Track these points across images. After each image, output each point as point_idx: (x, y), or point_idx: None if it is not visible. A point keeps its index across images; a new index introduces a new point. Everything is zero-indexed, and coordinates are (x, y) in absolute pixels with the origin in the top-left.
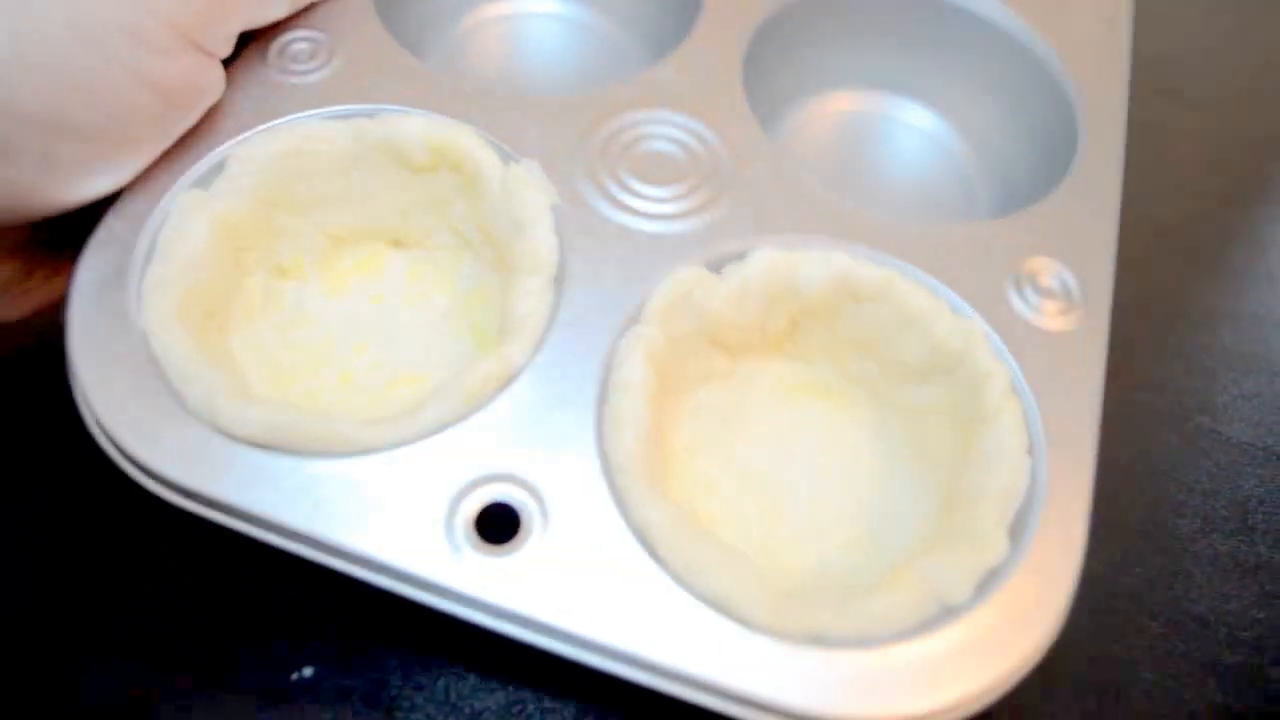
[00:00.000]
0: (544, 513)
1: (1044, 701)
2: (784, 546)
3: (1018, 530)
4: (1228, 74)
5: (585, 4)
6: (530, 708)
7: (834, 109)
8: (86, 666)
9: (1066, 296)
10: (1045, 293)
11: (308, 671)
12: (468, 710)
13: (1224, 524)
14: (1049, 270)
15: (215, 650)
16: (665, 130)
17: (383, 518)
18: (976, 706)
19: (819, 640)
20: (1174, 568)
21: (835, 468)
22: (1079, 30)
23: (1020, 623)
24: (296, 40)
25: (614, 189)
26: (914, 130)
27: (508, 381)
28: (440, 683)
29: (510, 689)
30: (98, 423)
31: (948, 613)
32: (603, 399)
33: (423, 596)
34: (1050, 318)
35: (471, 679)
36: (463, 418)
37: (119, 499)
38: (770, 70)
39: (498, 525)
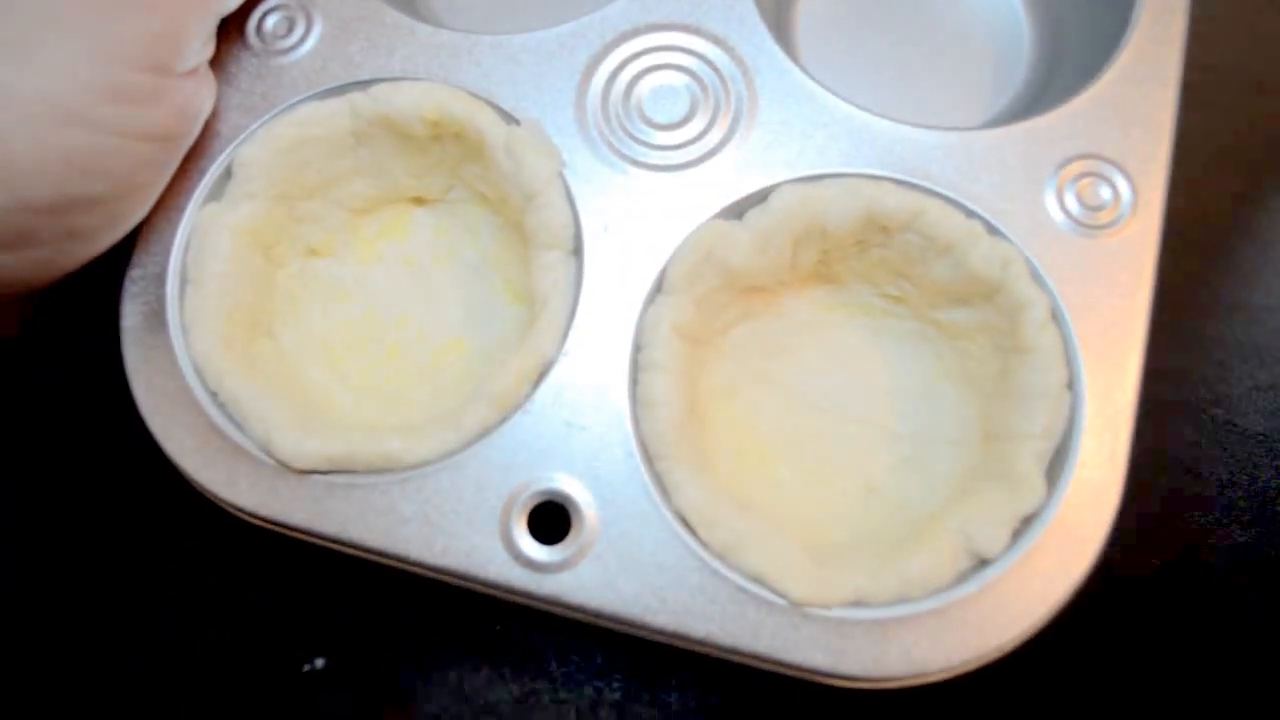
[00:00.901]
0: (591, 506)
1: (1059, 690)
2: (831, 475)
3: (1055, 470)
4: (1238, 67)
5: None
6: (545, 699)
7: None
8: (99, 655)
9: (1113, 203)
10: (1090, 201)
11: (319, 662)
12: (481, 702)
13: (1242, 515)
14: (1095, 174)
15: (226, 641)
16: (668, 58)
17: (444, 530)
18: (1008, 650)
19: (857, 604)
20: (1191, 559)
21: (877, 387)
22: None
23: (1053, 575)
24: (271, 11)
25: (620, 140)
26: None
27: (541, 376)
28: (452, 674)
29: (524, 680)
30: (171, 458)
31: (983, 564)
32: (633, 379)
33: (484, 590)
34: (1095, 231)
35: (484, 671)
36: (502, 420)
37: (143, 494)
38: None
39: (549, 520)
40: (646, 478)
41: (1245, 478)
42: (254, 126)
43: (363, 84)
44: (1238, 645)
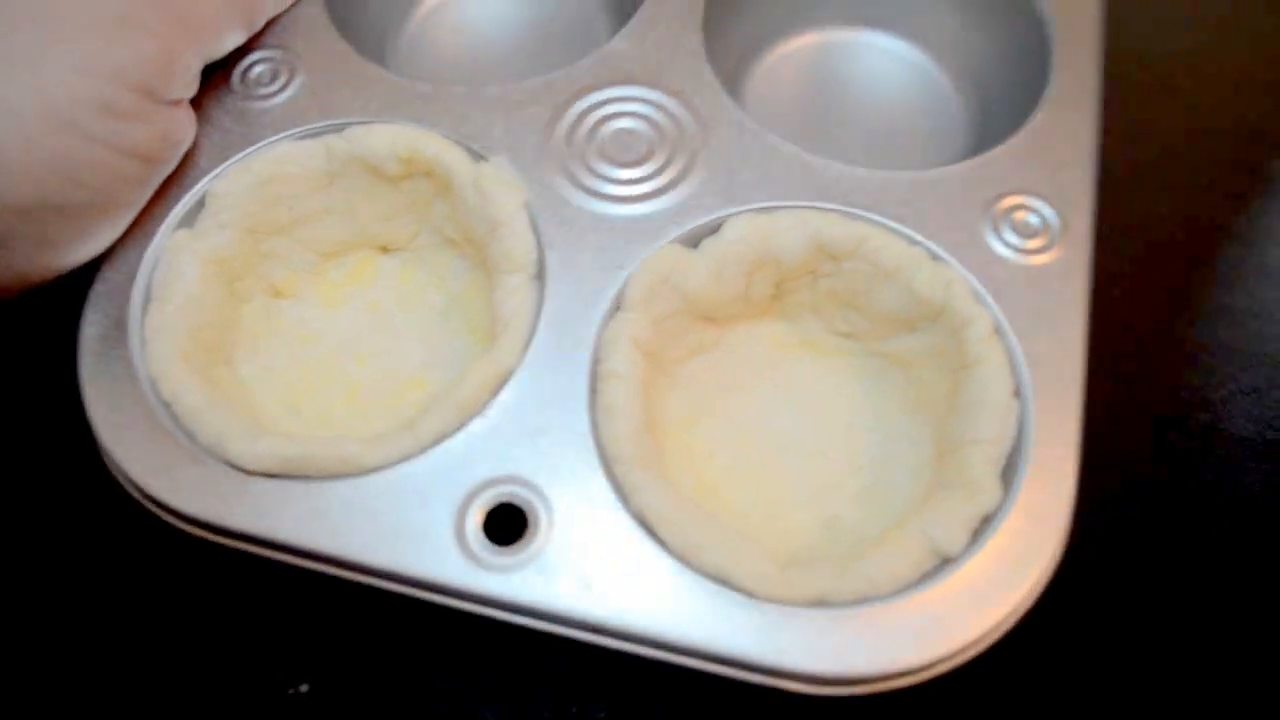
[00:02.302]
0: (548, 509)
1: (1044, 693)
2: (791, 508)
3: (1009, 474)
4: (1219, 69)
5: None
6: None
7: (801, 49)
8: (80, 681)
9: (1045, 231)
10: (1022, 230)
11: (304, 687)
12: None
13: (1228, 518)
14: (1025, 206)
15: (211, 666)
16: (629, 107)
17: (397, 531)
18: (975, 651)
19: (822, 604)
20: (1179, 564)
21: (833, 421)
22: None
23: (1015, 567)
24: (257, 63)
25: (584, 176)
26: (885, 61)
27: (501, 385)
28: (438, 697)
29: (509, 703)
30: (116, 466)
31: (945, 563)
32: (593, 389)
33: (440, 600)
34: (1029, 255)
35: (470, 694)
36: (461, 426)
37: (120, 520)
38: (731, 24)
39: (506, 525)
40: (605, 480)
41: (1230, 481)
42: (231, 161)
43: (338, 127)
44: (1227, 646)
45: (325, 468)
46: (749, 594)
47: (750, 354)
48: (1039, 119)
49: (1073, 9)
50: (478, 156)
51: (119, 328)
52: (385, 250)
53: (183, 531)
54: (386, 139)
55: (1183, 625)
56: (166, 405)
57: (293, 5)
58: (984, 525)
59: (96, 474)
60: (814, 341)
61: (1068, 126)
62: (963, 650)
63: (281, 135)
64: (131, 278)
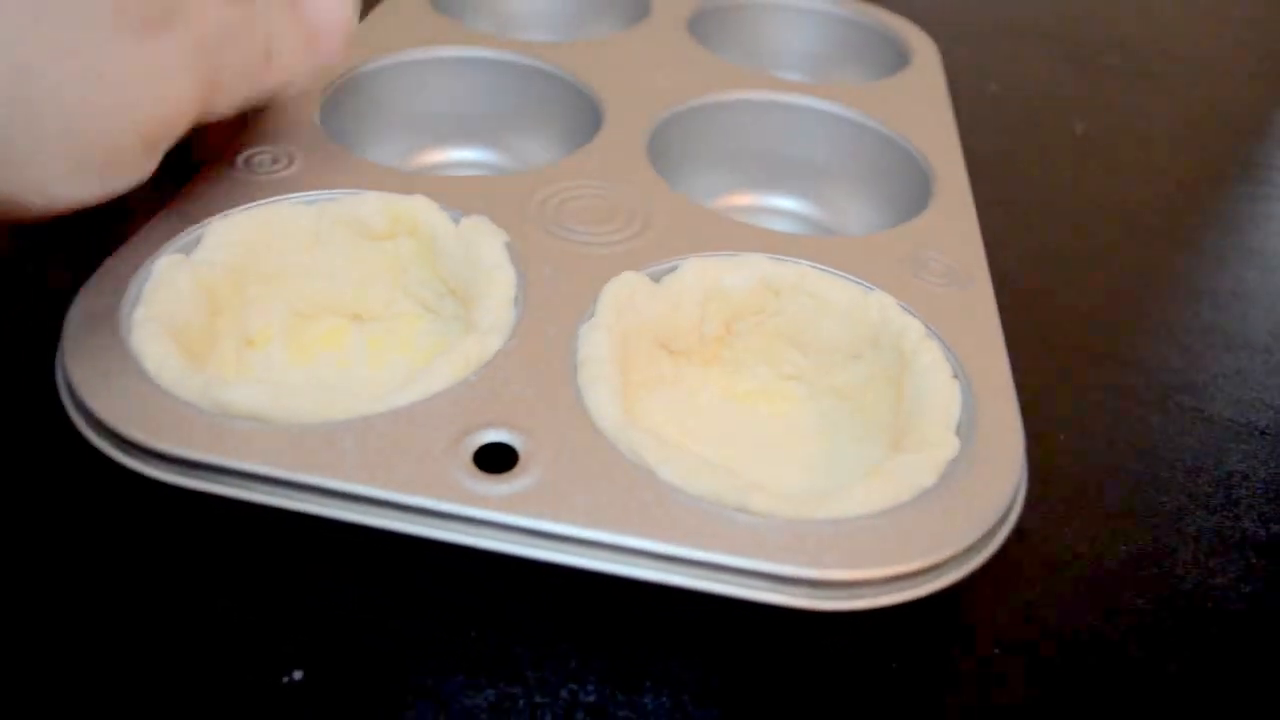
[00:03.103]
0: (538, 446)
1: (1033, 680)
2: None
3: (962, 433)
4: (1198, 54)
5: (503, 152)
6: (520, 703)
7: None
8: (62, 668)
9: (953, 273)
10: (936, 270)
11: (297, 674)
12: (457, 709)
13: (1208, 500)
14: (934, 257)
15: (201, 653)
16: (591, 191)
17: (384, 461)
18: (958, 571)
19: (814, 518)
20: (1160, 545)
21: (786, 457)
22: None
23: (989, 482)
24: (259, 154)
25: (556, 230)
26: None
27: (484, 363)
28: (429, 681)
29: (500, 686)
30: (91, 417)
31: (920, 493)
32: (575, 372)
33: (432, 531)
34: (945, 287)
35: (460, 678)
36: (448, 385)
37: (99, 499)
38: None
39: (496, 465)
40: (594, 425)
41: (1212, 463)
42: (234, 209)
43: (332, 197)
44: (1204, 629)
45: (313, 412)
46: (742, 509)
47: (704, 401)
48: (929, 211)
49: (942, 155)
50: (459, 219)
51: (108, 317)
52: (357, 319)
53: (163, 487)
54: (377, 203)
55: (1165, 614)
56: (149, 377)
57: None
58: (950, 468)
59: (78, 463)
60: (763, 389)
61: (955, 216)
62: (946, 562)
63: (282, 197)
64: (123, 285)
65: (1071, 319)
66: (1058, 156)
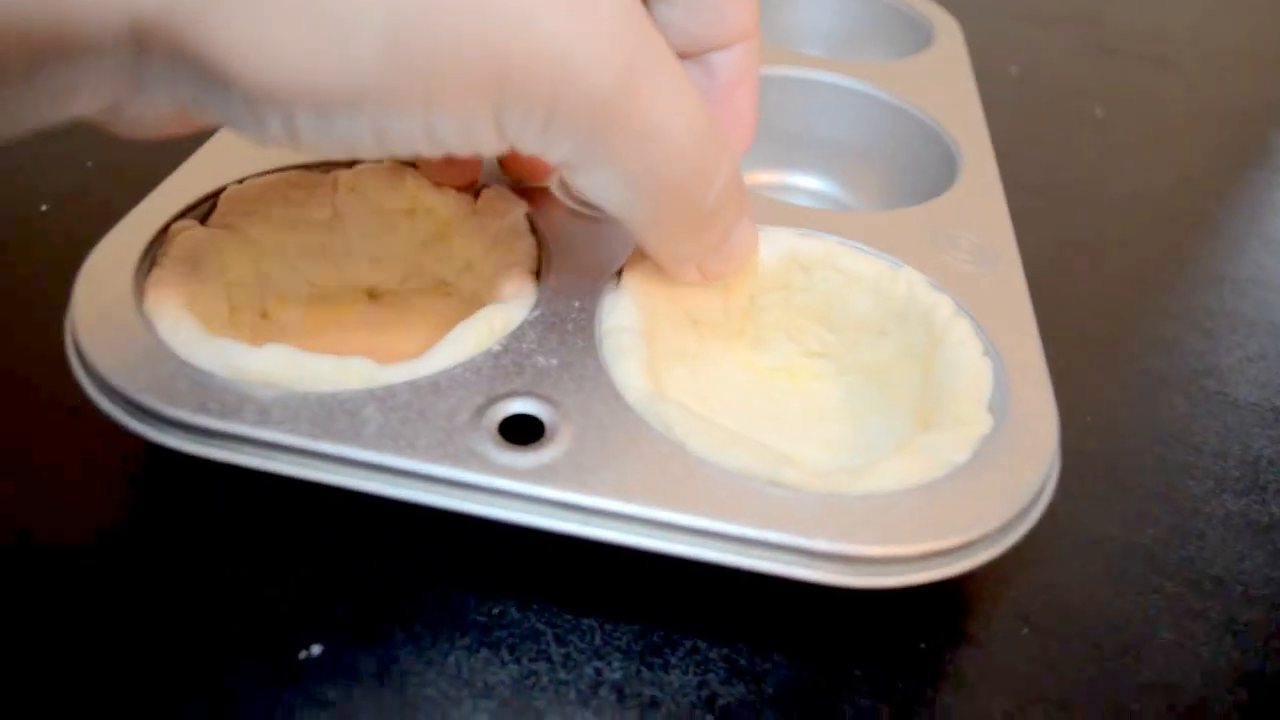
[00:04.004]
0: (565, 418)
1: (1062, 661)
2: None
3: (995, 411)
4: (1218, 42)
5: None
6: (544, 680)
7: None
8: (75, 642)
9: (982, 251)
10: (965, 248)
11: (315, 649)
12: (480, 685)
13: (1235, 484)
14: (963, 235)
15: (218, 629)
16: None
17: (408, 431)
18: (992, 549)
19: (849, 495)
20: (1187, 529)
21: (810, 434)
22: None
23: (1018, 467)
24: None
25: (576, 206)
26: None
27: (508, 333)
28: (451, 658)
29: (523, 662)
30: (102, 383)
31: (953, 470)
32: (601, 343)
33: (457, 504)
34: (974, 264)
35: (483, 653)
36: (470, 358)
37: (110, 467)
38: None
39: (521, 437)
40: (621, 398)
41: (1238, 447)
42: (250, 177)
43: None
44: (1234, 613)
45: (334, 379)
46: (774, 483)
47: (728, 376)
48: (959, 189)
49: (968, 134)
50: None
51: (117, 281)
52: (372, 295)
53: (178, 456)
54: (394, 175)
55: (1192, 596)
56: (163, 336)
57: None
58: (983, 444)
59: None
60: (788, 366)
61: (981, 190)
62: (981, 540)
63: (296, 163)
64: (135, 251)
65: (1093, 302)
66: (1078, 141)
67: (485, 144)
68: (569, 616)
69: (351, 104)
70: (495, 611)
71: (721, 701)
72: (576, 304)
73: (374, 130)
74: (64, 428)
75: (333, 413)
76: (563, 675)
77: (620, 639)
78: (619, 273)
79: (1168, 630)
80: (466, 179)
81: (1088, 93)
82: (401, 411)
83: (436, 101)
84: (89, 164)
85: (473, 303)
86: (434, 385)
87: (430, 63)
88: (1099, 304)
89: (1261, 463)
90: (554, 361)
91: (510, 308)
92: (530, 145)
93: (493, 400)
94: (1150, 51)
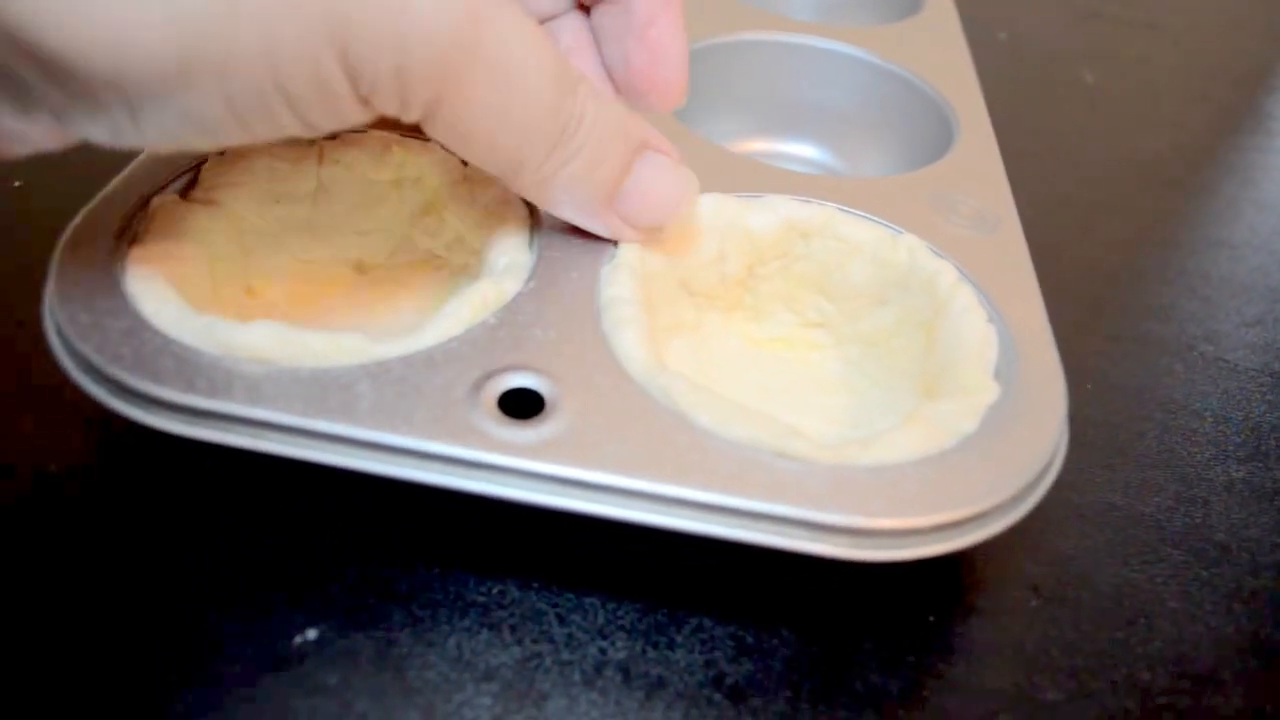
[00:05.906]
0: (566, 391)
1: (1071, 631)
2: None
3: (1001, 379)
4: (1208, 6)
5: None
6: (547, 661)
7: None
8: (73, 633)
9: (982, 216)
10: (964, 213)
11: (311, 633)
12: (482, 667)
13: (1237, 451)
14: (962, 200)
15: (212, 614)
16: None
17: (403, 406)
18: (1004, 520)
19: (855, 466)
20: (1191, 496)
21: (810, 405)
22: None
23: (1028, 435)
24: None
25: None
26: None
27: (503, 305)
28: (451, 640)
29: (526, 643)
30: (84, 361)
31: (962, 440)
32: (600, 315)
33: (455, 481)
34: (974, 230)
35: (484, 635)
36: (466, 330)
37: (93, 450)
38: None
39: (520, 411)
40: (622, 370)
41: (1239, 413)
42: (232, 150)
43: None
44: (1240, 580)
45: (325, 355)
46: (781, 455)
47: (725, 347)
48: (956, 153)
49: (963, 98)
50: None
51: (97, 256)
52: (361, 269)
53: (165, 436)
54: (382, 140)
55: (1198, 565)
56: (147, 314)
57: None
58: (990, 414)
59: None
60: (786, 337)
61: (979, 155)
62: (991, 511)
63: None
64: (114, 226)
65: (1090, 269)
66: (1069, 106)
67: (345, 105)
68: (571, 595)
69: (186, 64)
70: (496, 591)
71: (730, 680)
72: (574, 274)
73: (223, 97)
74: (47, 410)
75: (325, 389)
76: (566, 656)
77: (625, 617)
78: (615, 241)
79: (1175, 599)
80: None
81: (1077, 58)
82: (396, 386)
83: (278, 52)
84: None
85: (464, 275)
86: (429, 359)
87: (261, 5)
88: (1095, 269)
89: (1263, 428)
90: (552, 334)
91: (505, 279)
92: (389, 103)
93: (490, 374)
94: (1140, 17)
